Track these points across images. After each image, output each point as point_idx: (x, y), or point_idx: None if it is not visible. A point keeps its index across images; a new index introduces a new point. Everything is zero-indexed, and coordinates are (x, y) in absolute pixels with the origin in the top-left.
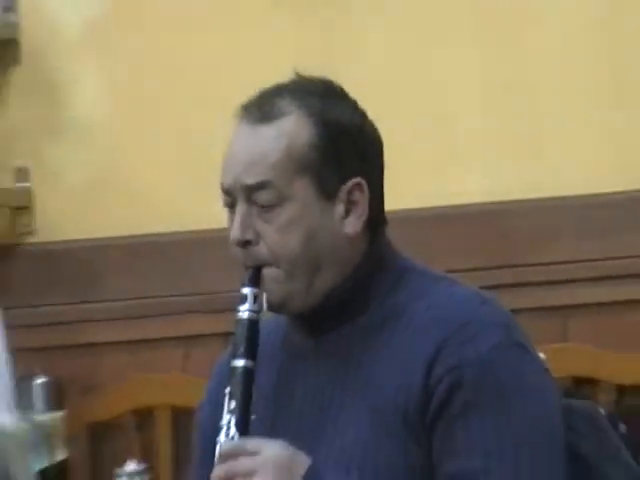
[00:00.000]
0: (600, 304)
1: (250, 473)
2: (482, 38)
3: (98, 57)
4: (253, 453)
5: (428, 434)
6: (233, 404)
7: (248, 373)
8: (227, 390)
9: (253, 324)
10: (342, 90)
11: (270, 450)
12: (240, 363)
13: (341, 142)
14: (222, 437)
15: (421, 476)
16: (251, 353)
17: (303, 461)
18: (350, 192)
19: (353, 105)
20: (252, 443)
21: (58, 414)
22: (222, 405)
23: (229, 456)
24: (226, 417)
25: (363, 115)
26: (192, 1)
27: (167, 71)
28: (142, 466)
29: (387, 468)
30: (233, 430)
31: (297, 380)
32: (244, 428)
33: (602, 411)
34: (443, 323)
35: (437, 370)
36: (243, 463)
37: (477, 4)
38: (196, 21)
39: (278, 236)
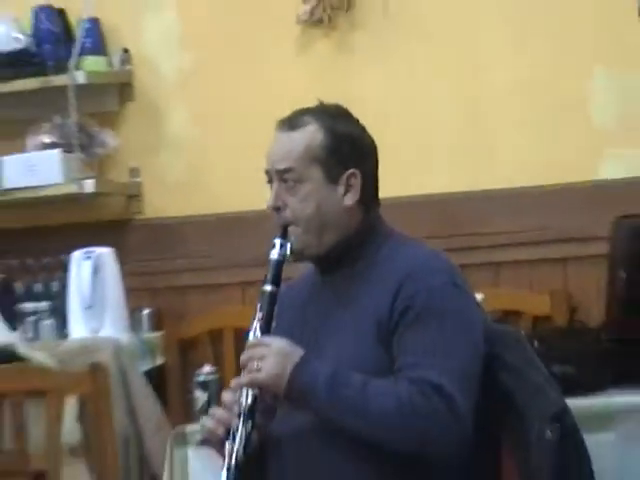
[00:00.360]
0: (521, 261)
1: (261, 357)
2: (449, 78)
3: (188, 94)
4: (266, 345)
5: (390, 341)
6: (260, 315)
7: (272, 295)
8: (258, 305)
9: (279, 263)
10: (348, 111)
11: (276, 343)
12: (268, 288)
13: (343, 145)
14: (250, 336)
15: (387, 372)
16: (276, 282)
17: (298, 352)
18: (348, 178)
19: (355, 122)
20: (266, 339)
21: (158, 333)
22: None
23: (251, 347)
24: (254, 324)
25: (362, 129)
26: (251, 58)
27: (235, 103)
28: (214, 369)
29: (361, 362)
30: (258, 332)
31: (313, 303)
32: (266, 331)
33: (522, 333)
34: (406, 268)
35: (399, 297)
36: (258, 350)
37: (443, 58)
38: (253, 71)
39: (298, 205)
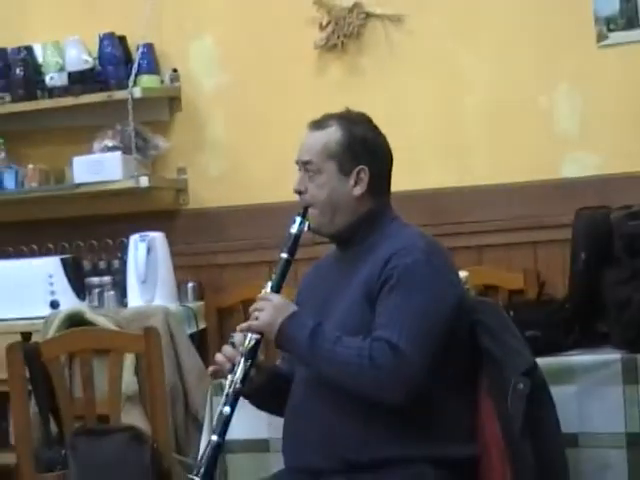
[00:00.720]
0: (499, 244)
1: (259, 309)
2: (436, 94)
3: (225, 105)
4: (268, 300)
5: (374, 304)
6: (274, 276)
7: (287, 262)
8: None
9: (297, 236)
10: (367, 118)
11: (274, 298)
12: (284, 255)
13: (356, 145)
14: (261, 292)
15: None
16: (291, 252)
17: (291, 307)
18: (358, 173)
19: (372, 127)
20: (269, 295)
21: (200, 303)
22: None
23: (257, 300)
24: (268, 283)
25: (377, 134)
26: (276, 76)
27: (263, 113)
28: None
29: (351, 320)
30: (268, 290)
31: (330, 273)
32: (276, 290)
33: (500, 304)
34: (394, 246)
35: (384, 270)
36: (261, 303)
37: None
38: (277, 87)
39: (315, 191)
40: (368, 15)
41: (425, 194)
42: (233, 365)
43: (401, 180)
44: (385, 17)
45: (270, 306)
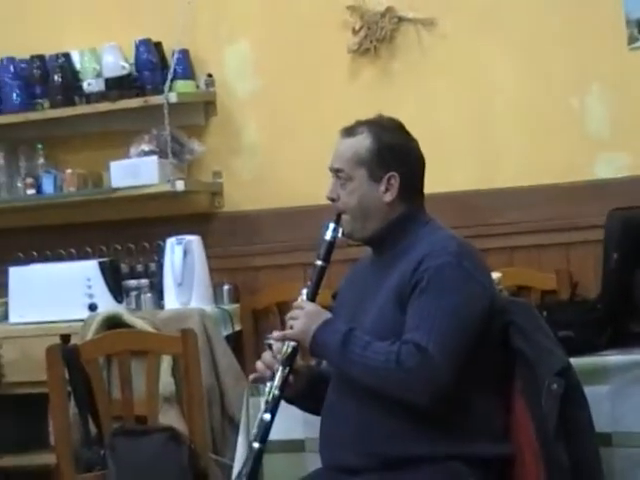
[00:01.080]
0: (531, 245)
1: (294, 317)
2: (467, 97)
3: (259, 110)
4: (301, 308)
5: (406, 306)
6: (309, 283)
7: (321, 268)
8: (310, 274)
9: (331, 243)
10: (398, 124)
11: (308, 306)
12: (318, 263)
13: (386, 152)
14: (297, 300)
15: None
16: (326, 258)
17: (324, 315)
18: (388, 179)
19: (402, 133)
20: (303, 303)
21: (236, 305)
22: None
23: (292, 308)
24: (304, 290)
25: (407, 138)
26: (309, 81)
27: (297, 117)
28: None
29: (384, 323)
30: (304, 297)
31: (365, 276)
32: (311, 297)
33: (533, 304)
34: (426, 249)
35: (416, 272)
36: (295, 312)
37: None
38: (311, 91)
39: (346, 197)
40: (400, 19)
41: (457, 196)
42: (273, 372)
43: (433, 182)
44: (417, 21)
45: (304, 314)
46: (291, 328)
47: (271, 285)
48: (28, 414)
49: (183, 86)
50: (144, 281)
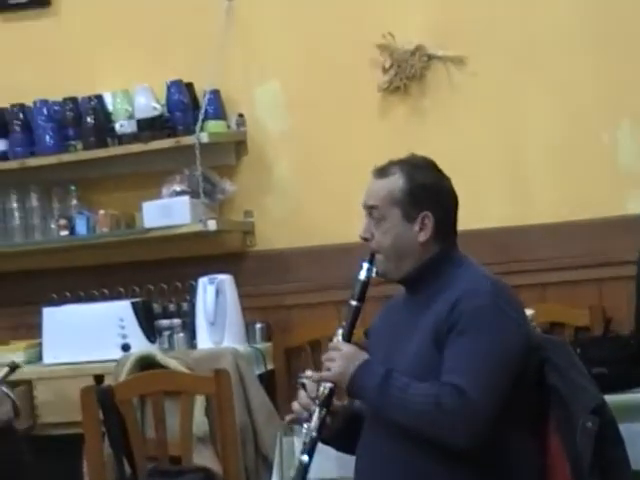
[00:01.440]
0: (564, 281)
1: (330, 359)
2: (498, 134)
3: (290, 149)
4: (338, 349)
5: (442, 347)
6: (344, 323)
7: (356, 308)
8: (344, 314)
9: (365, 283)
10: (430, 162)
11: (344, 348)
12: (353, 303)
13: (419, 191)
14: (333, 340)
15: (439, 371)
16: (360, 298)
17: (362, 356)
18: (422, 219)
19: (435, 171)
20: (339, 344)
21: (268, 344)
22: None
23: (328, 349)
24: (339, 331)
25: (440, 178)
26: (340, 119)
27: (328, 156)
28: (315, 373)
29: (420, 364)
30: (339, 337)
31: (400, 315)
32: (346, 337)
33: (567, 341)
34: (461, 289)
35: (452, 313)
36: (332, 353)
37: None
38: (342, 129)
39: (381, 237)
40: (430, 57)
41: (489, 232)
42: (309, 413)
43: (465, 219)
44: (447, 59)
45: (341, 356)
46: (328, 370)
47: (303, 323)
48: (62, 455)
49: (214, 126)
50: (177, 321)
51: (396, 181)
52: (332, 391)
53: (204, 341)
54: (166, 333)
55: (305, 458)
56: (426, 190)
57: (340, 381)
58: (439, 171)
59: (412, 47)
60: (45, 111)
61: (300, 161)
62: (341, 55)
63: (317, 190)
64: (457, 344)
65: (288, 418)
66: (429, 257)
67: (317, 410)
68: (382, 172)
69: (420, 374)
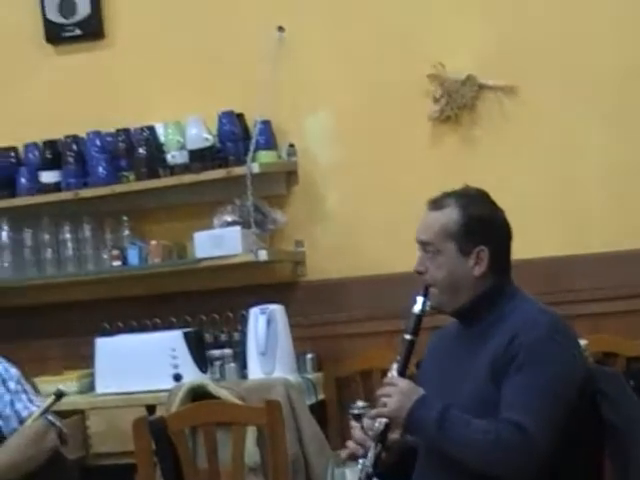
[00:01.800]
0: (617, 312)
1: (386, 395)
2: (550, 163)
3: (341, 178)
4: (394, 384)
5: (500, 382)
6: (399, 358)
7: (411, 342)
8: (399, 348)
9: (419, 316)
10: (483, 194)
11: (401, 383)
12: (407, 337)
13: (474, 225)
14: (388, 375)
15: (496, 406)
16: (415, 332)
17: (418, 391)
18: (477, 254)
19: (489, 204)
20: (395, 379)
21: (319, 374)
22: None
23: (384, 384)
24: (393, 365)
25: (494, 210)
26: (391, 149)
27: (379, 185)
28: (366, 404)
29: (477, 398)
30: (394, 372)
31: (452, 348)
32: (401, 372)
33: (620, 372)
34: (517, 323)
35: (509, 348)
36: (387, 389)
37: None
38: (392, 159)
39: (435, 271)
40: (481, 87)
41: (542, 262)
42: (365, 449)
43: (518, 249)
44: (498, 88)
45: (397, 392)
46: (384, 405)
47: (353, 353)
48: None
49: (265, 156)
50: (228, 351)
51: (450, 214)
52: (388, 426)
53: (255, 371)
54: (217, 363)
55: None
56: (481, 223)
57: (397, 417)
58: (493, 203)
59: (463, 77)
60: (98, 142)
61: (350, 190)
62: (391, 85)
63: (367, 220)
64: (515, 380)
65: (344, 455)
66: (483, 290)
67: (373, 445)
68: (436, 204)
69: (477, 410)
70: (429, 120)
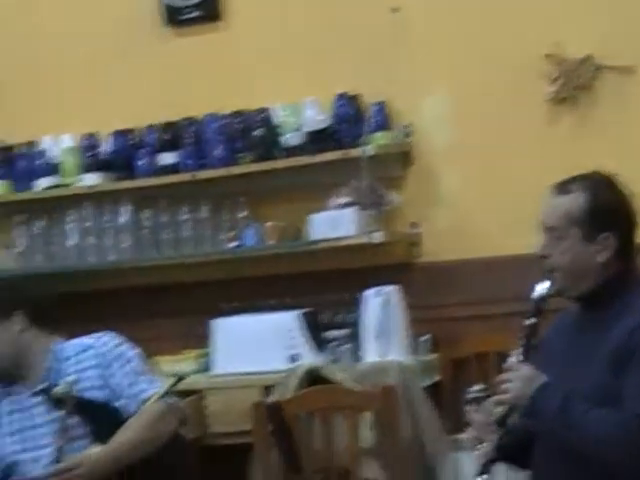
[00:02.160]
0: None
1: (509, 381)
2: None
3: (458, 160)
4: (515, 370)
5: (621, 373)
6: (522, 341)
7: (533, 326)
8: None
9: (541, 299)
10: (611, 179)
11: (522, 369)
12: (529, 321)
13: (600, 212)
14: (511, 359)
15: (616, 397)
16: (537, 316)
17: (540, 378)
18: (603, 240)
19: (617, 191)
20: (517, 365)
21: (434, 356)
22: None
23: (505, 370)
24: (517, 350)
25: (622, 196)
26: (507, 131)
27: (495, 166)
28: (482, 387)
29: (595, 387)
30: (515, 358)
31: (570, 332)
32: (523, 358)
33: None
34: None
35: (632, 339)
36: (509, 374)
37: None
38: (508, 141)
39: (558, 256)
40: (599, 67)
41: None
42: (486, 434)
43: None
44: (616, 69)
45: (519, 378)
46: (505, 391)
47: (470, 336)
48: (228, 465)
49: (381, 138)
50: (343, 332)
51: (576, 199)
52: (509, 412)
53: (370, 353)
54: (332, 345)
55: (484, 478)
56: (607, 210)
57: (518, 403)
58: (621, 188)
59: (581, 57)
60: (214, 125)
61: (467, 171)
62: (508, 65)
63: (484, 201)
64: (636, 370)
65: (466, 439)
66: (608, 277)
67: (494, 430)
68: (562, 189)
69: (595, 397)
70: (545, 101)
